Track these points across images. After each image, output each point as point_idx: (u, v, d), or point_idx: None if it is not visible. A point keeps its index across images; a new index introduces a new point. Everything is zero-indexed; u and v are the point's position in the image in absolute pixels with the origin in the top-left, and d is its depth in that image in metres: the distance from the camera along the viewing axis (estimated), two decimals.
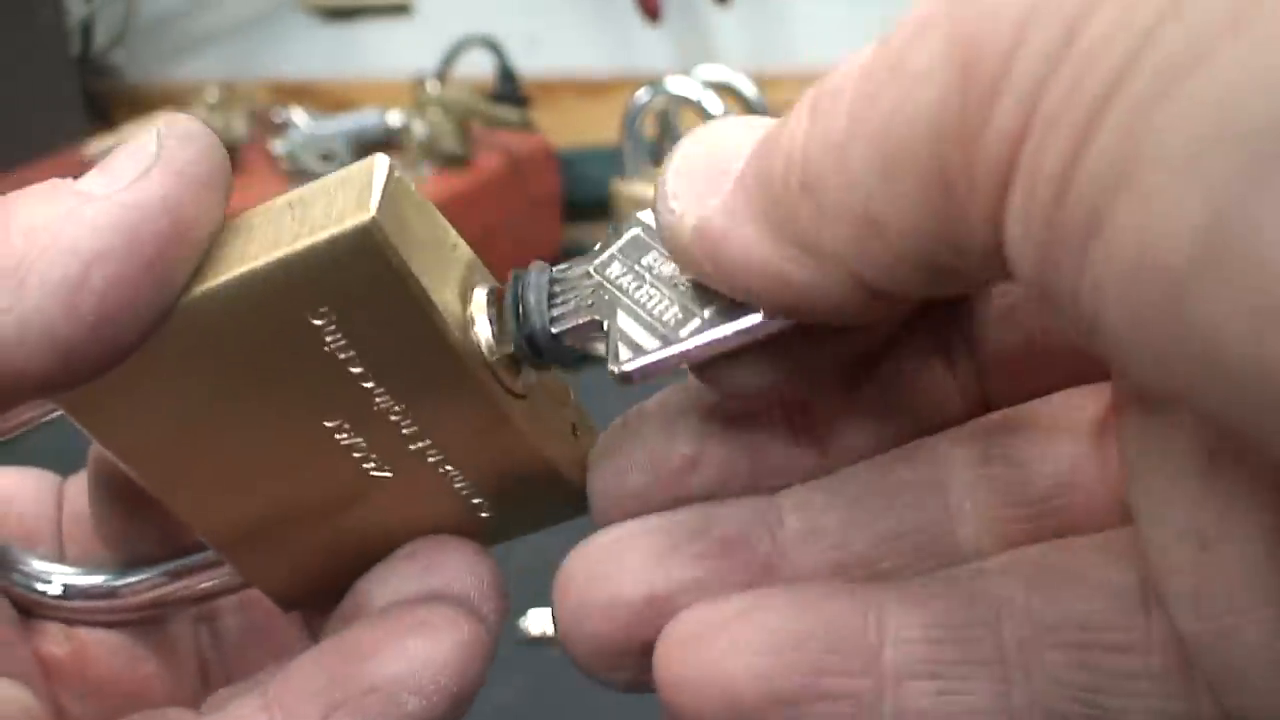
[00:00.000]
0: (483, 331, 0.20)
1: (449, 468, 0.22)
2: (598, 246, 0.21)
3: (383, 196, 0.19)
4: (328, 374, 0.20)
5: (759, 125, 0.18)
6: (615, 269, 0.21)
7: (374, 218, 0.18)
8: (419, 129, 0.85)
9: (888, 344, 0.20)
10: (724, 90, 0.75)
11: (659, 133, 0.79)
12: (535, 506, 0.23)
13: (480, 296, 0.21)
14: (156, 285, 0.19)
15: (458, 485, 0.22)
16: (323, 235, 0.19)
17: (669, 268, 0.20)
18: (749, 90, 0.76)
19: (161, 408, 0.20)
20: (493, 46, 1.01)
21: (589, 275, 0.21)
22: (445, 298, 0.20)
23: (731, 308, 0.19)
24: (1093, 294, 0.13)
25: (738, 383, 0.19)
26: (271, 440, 0.21)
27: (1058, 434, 0.20)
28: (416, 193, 0.20)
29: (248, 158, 0.89)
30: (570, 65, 1.10)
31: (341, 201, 0.19)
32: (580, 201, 0.90)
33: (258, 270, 0.19)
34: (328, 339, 0.20)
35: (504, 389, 0.21)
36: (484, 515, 0.23)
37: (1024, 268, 0.14)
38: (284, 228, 0.19)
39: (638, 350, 0.20)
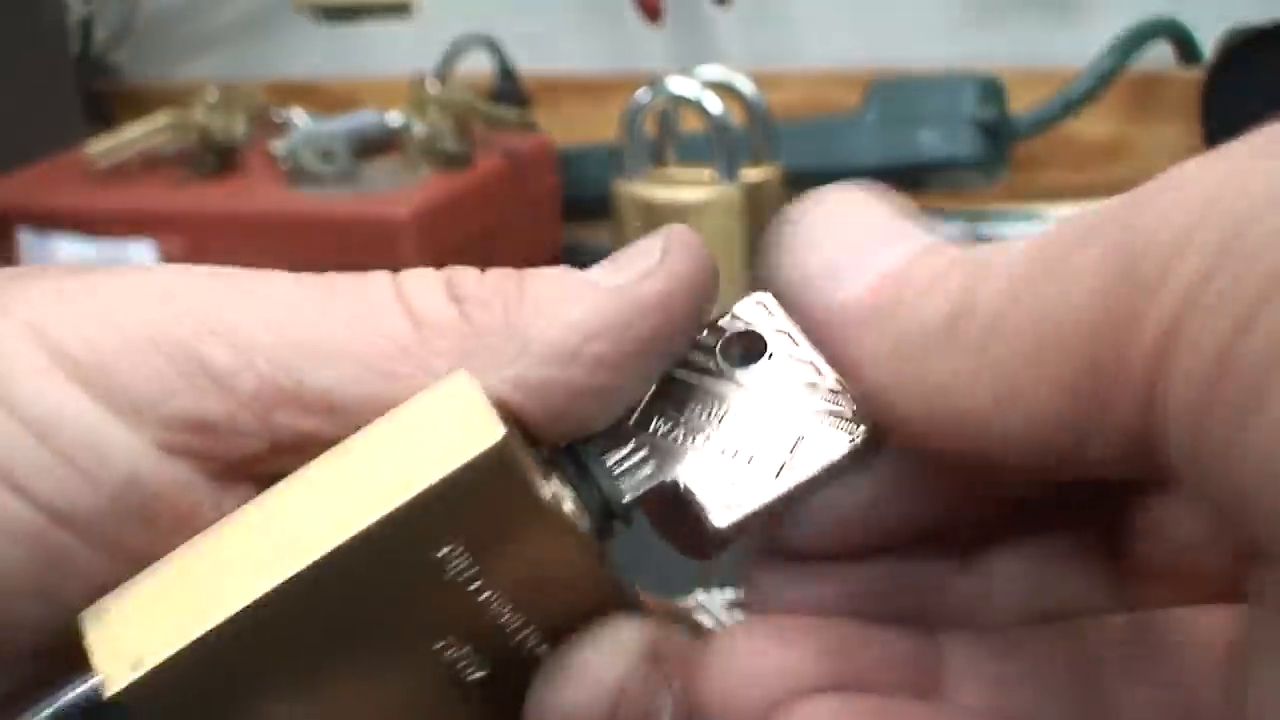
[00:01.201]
0: (572, 512, 0.20)
1: (542, 645, 0.21)
2: (634, 415, 0.21)
3: (495, 411, 0.19)
4: (447, 598, 0.19)
5: (910, 221, 0.18)
6: (660, 424, 0.21)
7: (504, 437, 0.18)
8: (419, 129, 0.85)
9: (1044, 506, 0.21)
10: (724, 90, 0.75)
11: (659, 133, 0.79)
12: None
13: (555, 477, 0.20)
14: (637, 373, 0.20)
15: (538, 651, 0.21)
16: (455, 466, 0.18)
17: (718, 416, 0.20)
18: (749, 90, 0.76)
19: (247, 677, 0.19)
20: (493, 46, 1.01)
21: (634, 439, 0.21)
22: (547, 491, 0.20)
23: (807, 443, 0.19)
24: (1252, 469, 0.13)
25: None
26: (378, 671, 0.20)
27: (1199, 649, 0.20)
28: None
29: (248, 158, 0.89)
30: (570, 65, 1.10)
31: (452, 427, 0.18)
32: (580, 201, 0.90)
33: (388, 516, 0.18)
34: (449, 566, 0.19)
35: (600, 559, 0.21)
36: None
37: (1177, 449, 0.14)
38: (387, 469, 0.18)
39: (729, 506, 0.20)
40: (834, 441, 0.20)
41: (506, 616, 0.20)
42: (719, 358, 0.21)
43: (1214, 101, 0.85)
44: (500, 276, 0.21)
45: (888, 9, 1.00)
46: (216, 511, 0.20)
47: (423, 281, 0.21)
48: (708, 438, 0.20)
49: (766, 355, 0.21)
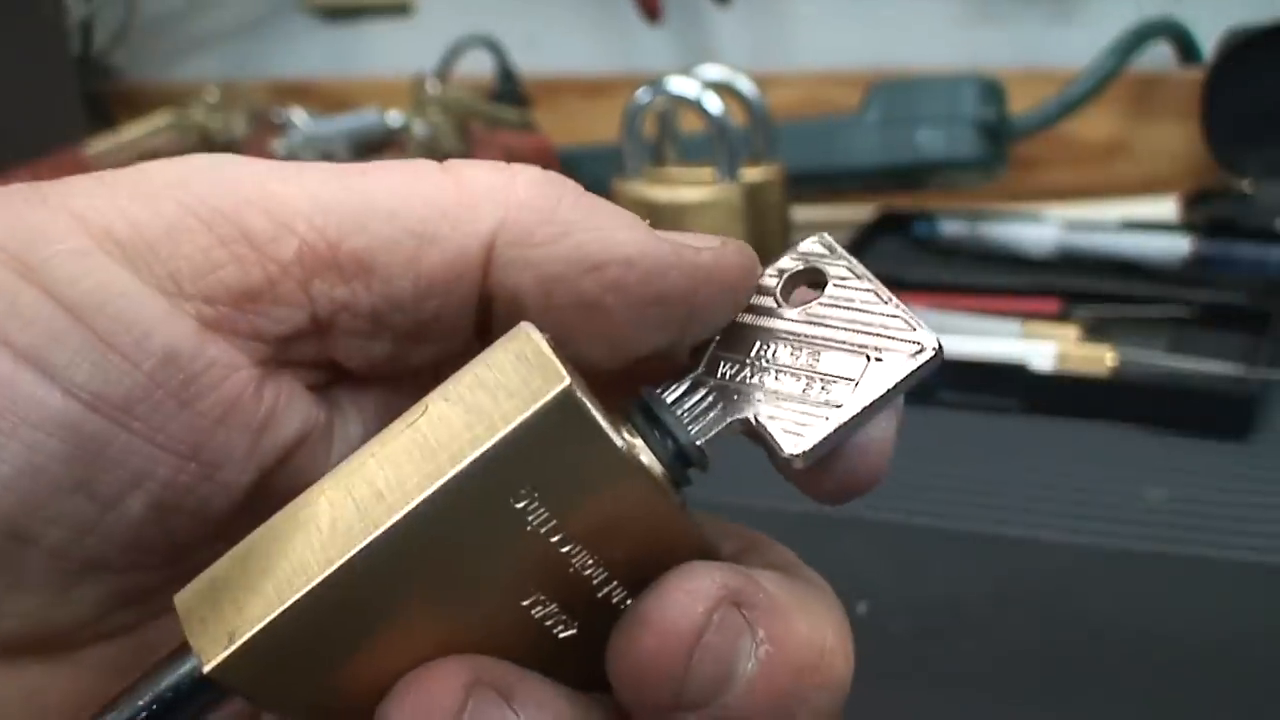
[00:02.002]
0: (649, 461, 0.20)
1: (627, 600, 0.21)
2: (702, 363, 0.21)
3: (560, 357, 0.19)
4: (529, 551, 0.19)
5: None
6: (726, 368, 0.21)
7: (569, 384, 0.18)
8: (419, 129, 0.85)
9: None
10: (724, 90, 0.75)
11: (659, 133, 0.79)
12: None
13: (625, 429, 0.20)
14: (646, 320, 0.20)
15: (623, 607, 0.21)
16: (523, 416, 0.18)
17: (784, 352, 0.21)
18: (749, 90, 0.76)
19: (342, 641, 0.19)
20: (493, 46, 1.01)
21: (704, 385, 0.21)
22: (622, 439, 0.19)
23: (874, 364, 0.19)
24: None
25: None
26: (468, 631, 0.20)
27: None
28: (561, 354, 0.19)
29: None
30: (570, 65, 1.10)
31: (519, 380, 0.19)
32: None
33: (464, 470, 0.18)
34: (529, 518, 0.19)
35: (679, 506, 0.21)
36: None
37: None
38: (459, 425, 0.19)
39: (802, 434, 0.20)
40: (899, 361, 0.20)
41: (590, 569, 0.20)
42: (779, 297, 0.21)
43: (1214, 101, 0.85)
44: (563, 179, 0.21)
45: (888, 9, 1.00)
46: (258, 399, 0.20)
47: (475, 161, 0.21)
48: (775, 374, 0.21)
49: (828, 289, 0.21)
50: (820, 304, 0.21)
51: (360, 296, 0.20)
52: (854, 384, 0.20)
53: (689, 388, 0.21)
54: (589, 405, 0.19)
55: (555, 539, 0.19)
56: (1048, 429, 0.60)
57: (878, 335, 0.20)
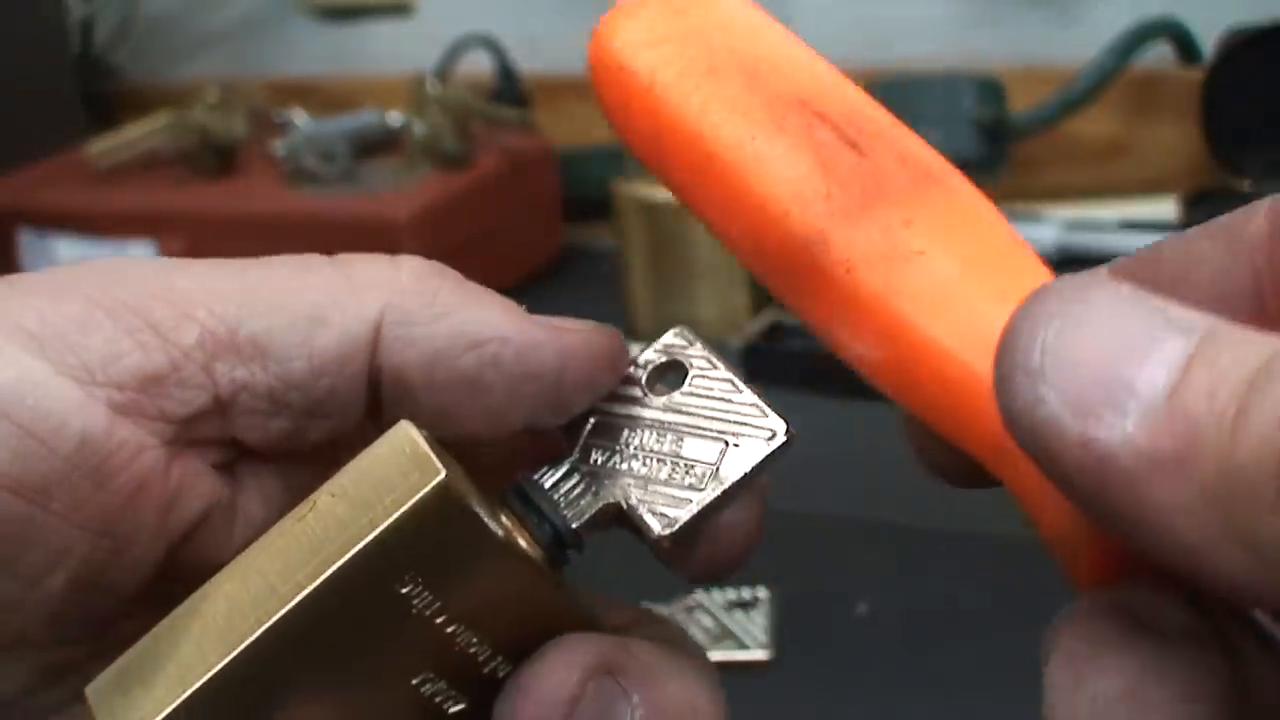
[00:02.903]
0: (526, 545, 0.22)
1: (510, 672, 0.22)
2: (575, 451, 0.23)
3: (434, 451, 0.20)
4: (416, 632, 0.21)
5: (1153, 313, 0.15)
6: (598, 455, 0.23)
7: (443, 477, 0.20)
8: (419, 129, 0.85)
9: None
10: None
11: None
12: None
13: (503, 514, 0.22)
14: (520, 395, 0.22)
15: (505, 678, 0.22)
16: (404, 508, 0.20)
17: (650, 438, 0.22)
18: None
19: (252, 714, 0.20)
20: (493, 46, 1.01)
21: (577, 470, 0.22)
22: (499, 524, 0.21)
23: (731, 451, 0.21)
24: None
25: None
26: (365, 710, 0.21)
27: None
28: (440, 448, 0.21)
29: (248, 158, 0.89)
30: (570, 65, 1.09)
31: (398, 473, 0.20)
32: (580, 201, 0.90)
33: (353, 559, 0.20)
34: (414, 602, 0.20)
35: (556, 585, 0.22)
36: None
37: None
38: (345, 518, 0.20)
39: (668, 516, 0.21)
40: (755, 446, 0.22)
41: (475, 647, 0.21)
42: (644, 387, 0.23)
43: (1214, 101, 0.85)
44: (445, 269, 0.23)
45: (887, 8, 1.00)
46: (165, 478, 0.21)
47: (362, 255, 0.23)
48: (642, 460, 0.22)
49: (689, 380, 0.23)
50: (681, 394, 0.23)
51: (258, 377, 0.21)
52: (714, 468, 0.22)
53: (565, 474, 0.23)
54: (465, 496, 0.20)
55: (439, 620, 0.21)
56: None
57: (735, 423, 0.22)
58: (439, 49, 1.03)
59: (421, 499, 0.20)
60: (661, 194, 0.74)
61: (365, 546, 0.20)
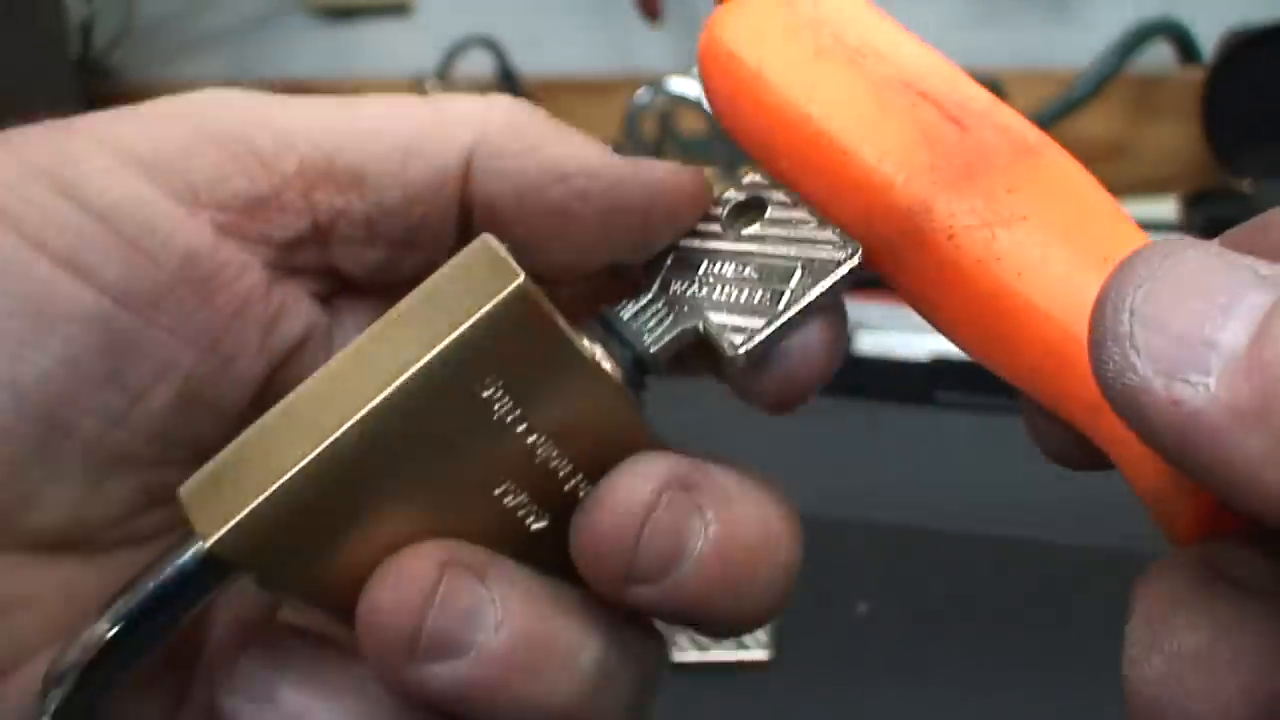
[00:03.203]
0: (607, 364, 0.22)
1: (588, 490, 0.22)
2: (655, 283, 0.23)
3: (515, 261, 0.21)
4: (498, 439, 0.21)
5: (1238, 270, 0.15)
6: (677, 286, 0.23)
7: (522, 280, 0.20)
8: None
9: None
10: None
11: (659, 133, 0.79)
12: None
13: (585, 337, 0.22)
14: (604, 227, 0.23)
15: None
16: (485, 308, 0.20)
17: (728, 268, 0.23)
18: None
19: (328, 523, 0.21)
20: (493, 46, 1.01)
21: (658, 301, 0.23)
22: (582, 341, 0.22)
23: (806, 271, 0.22)
24: None
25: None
26: (447, 519, 0.22)
27: None
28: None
29: None
30: (570, 65, 1.10)
31: (479, 280, 0.21)
32: None
33: (436, 357, 0.20)
34: (495, 407, 0.21)
35: (635, 406, 0.23)
36: None
37: None
38: (427, 323, 0.21)
39: (748, 333, 0.22)
40: (826, 267, 0.22)
41: (555, 461, 0.22)
42: (725, 223, 0.24)
43: (1214, 101, 0.85)
44: (535, 107, 0.23)
45: (888, 9, 1.00)
46: (267, 299, 0.22)
47: (454, 95, 0.23)
48: (720, 287, 0.23)
49: (767, 214, 0.23)
50: (760, 225, 0.23)
51: (355, 205, 0.22)
52: (788, 289, 0.22)
53: (645, 304, 0.23)
54: (545, 301, 0.21)
55: (520, 428, 0.21)
56: None
57: (810, 247, 0.22)
58: (439, 49, 1.03)
59: (501, 300, 0.20)
60: None
61: (445, 347, 0.20)
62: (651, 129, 0.78)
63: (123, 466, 0.22)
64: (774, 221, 0.23)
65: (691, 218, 0.24)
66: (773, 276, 0.22)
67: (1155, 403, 0.15)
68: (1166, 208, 0.83)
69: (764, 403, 0.23)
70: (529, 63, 1.04)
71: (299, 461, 0.20)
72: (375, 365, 0.21)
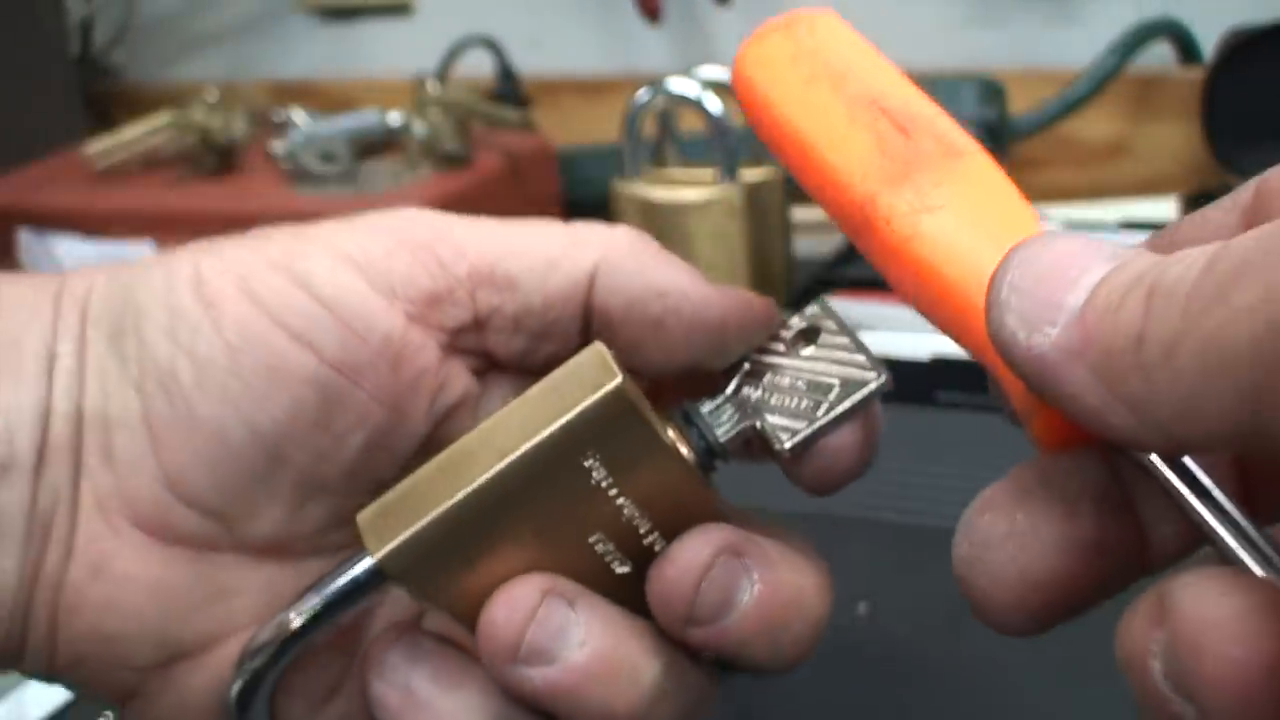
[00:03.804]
0: (684, 448, 0.28)
1: (664, 546, 0.28)
2: (729, 387, 0.30)
3: (618, 365, 0.27)
4: (594, 500, 0.27)
5: (1091, 252, 0.20)
6: (747, 390, 0.29)
7: (620, 381, 0.26)
8: (419, 129, 0.85)
9: None
10: (724, 90, 0.75)
11: (659, 133, 0.79)
12: None
13: (670, 426, 0.28)
14: (690, 341, 0.29)
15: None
16: (590, 400, 0.26)
17: (785, 380, 0.29)
18: None
19: (464, 552, 0.27)
20: (493, 46, 1.01)
21: (729, 402, 0.29)
22: (665, 430, 0.28)
23: (843, 389, 0.28)
24: None
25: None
26: (552, 558, 0.28)
27: None
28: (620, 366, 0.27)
29: (248, 158, 0.89)
30: (570, 65, 1.10)
31: (590, 377, 0.27)
32: (580, 201, 0.90)
33: (552, 434, 0.26)
34: (594, 475, 0.27)
35: (703, 483, 0.28)
36: None
37: None
38: (547, 407, 0.27)
39: (792, 433, 0.28)
40: (860, 385, 0.28)
41: (638, 521, 0.28)
42: (788, 344, 0.30)
43: (1214, 101, 0.85)
44: (648, 238, 0.29)
45: (887, 9, 1.00)
46: (437, 372, 0.28)
47: (587, 223, 0.30)
48: (778, 396, 0.29)
49: (819, 339, 0.29)
50: (814, 349, 0.29)
51: (507, 304, 0.28)
52: (827, 401, 0.28)
53: (720, 403, 0.29)
54: (634, 396, 0.27)
55: (612, 493, 0.27)
56: None
57: (848, 369, 0.28)
58: (439, 49, 1.03)
59: (601, 395, 0.26)
60: (660, 193, 0.74)
61: (558, 426, 0.26)
62: (651, 129, 0.78)
63: (321, 494, 0.28)
64: (825, 345, 0.29)
65: (760, 336, 0.30)
66: (818, 390, 0.28)
67: (1018, 348, 0.20)
68: (1166, 208, 0.83)
69: (806, 487, 0.29)
70: (529, 63, 1.04)
71: (447, 501, 0.26)
72: (509, 434, 0.27)
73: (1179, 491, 0.21)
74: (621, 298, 0.28)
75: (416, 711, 0.28)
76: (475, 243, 0.28)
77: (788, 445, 0.28)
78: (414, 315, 0.28)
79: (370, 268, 0.27)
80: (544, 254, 0.28)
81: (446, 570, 0.27)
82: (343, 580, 0.27)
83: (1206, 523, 0.21)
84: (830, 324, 0.29)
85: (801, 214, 0.82)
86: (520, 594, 0.27)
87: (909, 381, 0.66)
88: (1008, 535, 0.23)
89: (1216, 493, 0.21)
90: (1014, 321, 0.20)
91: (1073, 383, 0.20)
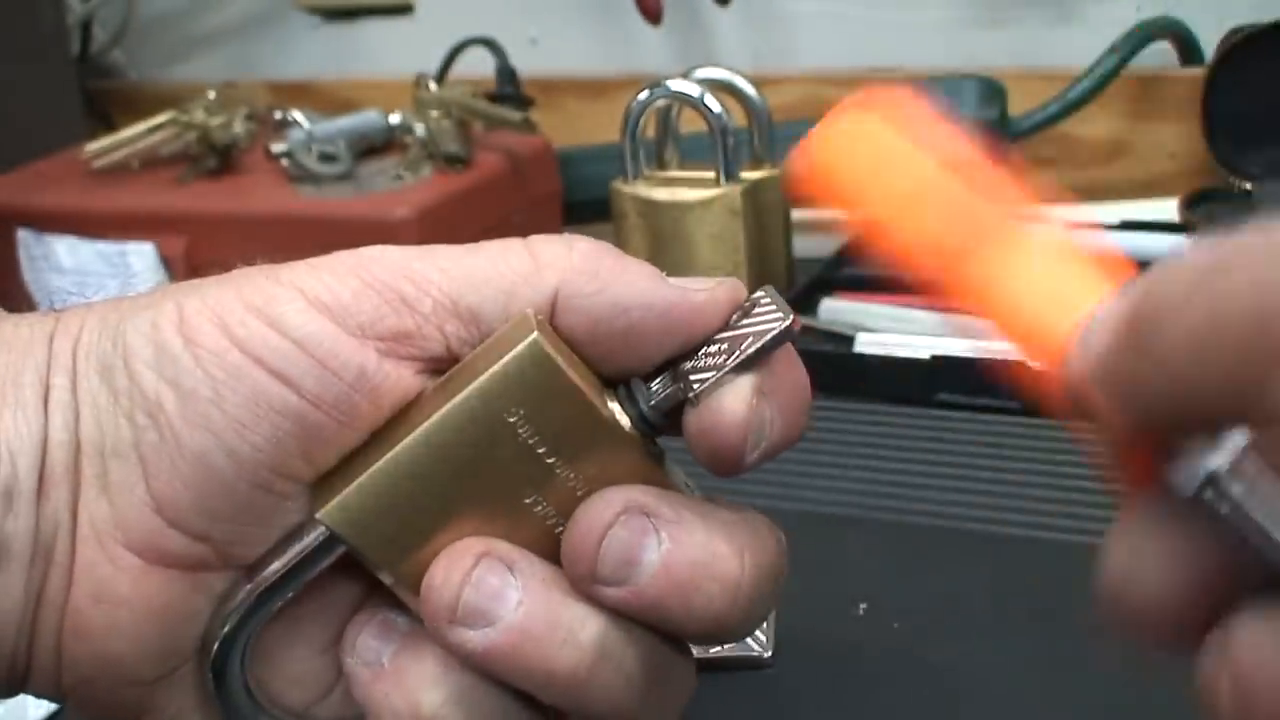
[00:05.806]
0: (621, 418, 0.30)
1: None
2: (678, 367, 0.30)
3: (537, 325, 0.28)
4: (526, 461, 0.29)
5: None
6: (681, 364, 0.30)
7: (536, 336, 0.28)
8: (419, 129, 0.85)
9: None
10: (724, 91, 0.75)
11: (659, 133, 0.79)
12: None
13: (613, 402, 0.30)
14: (655, 344, 0.30)
15: None
16: (508, 356, 0.28)
17: (713, 346, 0.30)
18: (749, 91, 0.76)
19: (403, 512, 0.29)
20: (493, 47, 1.01)
21: (668, 374, 0.30)
22: (592, 394, 0.29)
23: (754, 339, 0.29)
24: None
25: None
26: (490, 523, 0.29)
27: None
28: (558, 338, 0.29)
29: (248, 158, 0.89)
30: (570, 65, 1.10)
31: (514, 336, 0.28)
32: (580, 201, 0.90)
33: (473, 389, 0.28)
34: (519, 432, 0.29)
35: (646, 451, 0.30)
36: None
37: None
38: (476, 369, 0.29)
39: (702, 381, 0.29)
40: (767, 332, 0.29)
41: (572, 481, 0.29)
42: (730, 322, 0.31)
43: (1214, 101, 0.85)
44: (606, 247, 0.30)
45: (888, 9, 1.00)
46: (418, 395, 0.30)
47: (545, 236, 0.31)
48: (706, 359, 0.30)
49: (754, 311, 0.30)
50: (748, 318, 0.30)
51: (473, 334, 0.30)
52: (739, 349, 0.29)
53: (662, 377, 0.30)
54: (557, 356, 0.28)
55: (541, 450, 0.29)
56: (1048, 429, 0.60)
57: (763, 323, 0.29)
58: (439, 49, 1.03)
59: (518, 350, 0.28)
60: (661, 193, 0.74)
61: (477, 382, 0.28)
62: (652, 129, 0.78)
63: (297, 500, 0.30)
64: (756, 312, 0.30)
65: (730, 314, 0.30)
66: (735, 346, 0.29)
67: (1069, 379, 0.24)
68: (1166, 208, 0.82)
69: (702, 457, 0.29)
70: (529, 63, 1.04)
71: (375, 461, 0.29)
72: (438, 397, 0.29)
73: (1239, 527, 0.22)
74: (585, 318, 0.29)
75: (384, 682, 0.30)
76: (436, 277, 0.30)
77: (695, 391, 0.29)
78: (385, 351, 0.29)
79: (340, 310, 0.29)
80: (504, 285, 0.30)
81: (395, 538, 0.29)
82: (299, 545, 0.29)
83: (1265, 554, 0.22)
84: (765, 299, 0.31)
85: (801, 214, 0.82)
86: (458, 557, 0.29)
87: (909, 381, 0.66)
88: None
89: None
90: (1074, 369, 0.24)
91: (1090, 392, 0.23)
